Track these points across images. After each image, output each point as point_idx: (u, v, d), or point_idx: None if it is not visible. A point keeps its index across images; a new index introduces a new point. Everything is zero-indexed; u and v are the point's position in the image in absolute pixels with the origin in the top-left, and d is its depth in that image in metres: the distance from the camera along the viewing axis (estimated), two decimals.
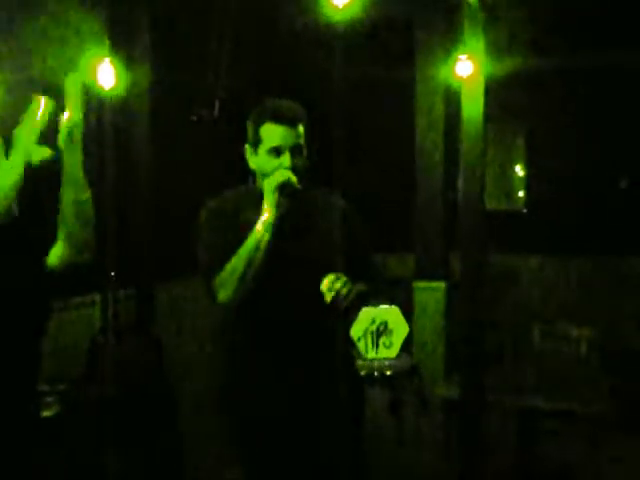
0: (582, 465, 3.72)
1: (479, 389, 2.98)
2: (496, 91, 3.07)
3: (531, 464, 3.58)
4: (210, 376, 2.20)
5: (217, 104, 3.59)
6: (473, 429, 2.97)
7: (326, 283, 1.85)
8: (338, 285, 1.84)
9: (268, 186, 1.90)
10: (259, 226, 1.90)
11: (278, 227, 1.92)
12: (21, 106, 2.65)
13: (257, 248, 1.90)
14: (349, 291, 1.85)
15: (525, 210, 5.77)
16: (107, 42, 2.87)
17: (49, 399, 2.21)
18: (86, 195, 1.50)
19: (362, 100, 4.40)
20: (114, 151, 3.10)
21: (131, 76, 3.11)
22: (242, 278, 1.94)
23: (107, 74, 2.86)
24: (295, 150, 1.93)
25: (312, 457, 2.02)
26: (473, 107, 2.83)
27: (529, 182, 5.73)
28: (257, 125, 1.95)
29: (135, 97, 3.17)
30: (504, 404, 3.59)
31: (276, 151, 1.93)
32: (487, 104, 2.84)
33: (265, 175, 1.95)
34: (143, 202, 3.32)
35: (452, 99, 3.73)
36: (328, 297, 1.84)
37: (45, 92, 2.77)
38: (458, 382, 3.19)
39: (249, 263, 1.92)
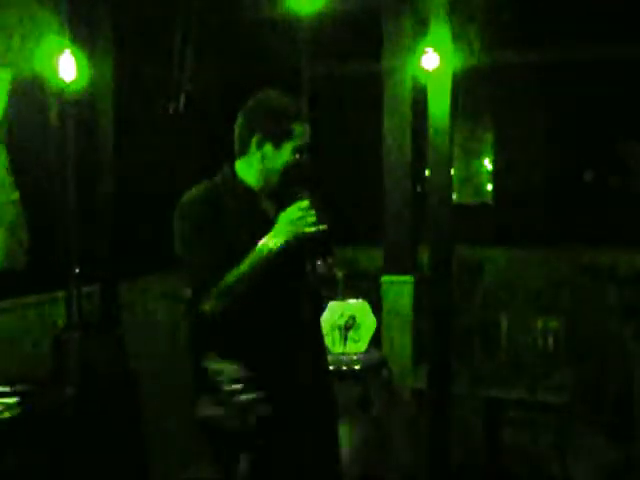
0: (548, 454, 3.78)
1: (446, 380, 2.99)
2: (464, 85, 3.07)
3: (499, 453, 3.62)
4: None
5: (183, 97, 3.53)
6: (441, 419, 2.98)
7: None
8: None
9: (287, 219, 1.87)
10: (263, 252, 1.86)
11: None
12: None
13: (258, 273, 1.87)
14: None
15: (492, 203, 5.82)
16: (67, 33, 2.79)
17: (9, 400, 2.14)
18: (12, 197, 1.42)
19: (329, 93, 4.39)
20: (76, 145, 3.04)
21: (94, 68, 3.04)
22: (237, 296, 1.89)
23: (68, 66, 2.80)
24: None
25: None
26: (440, 101, 2.82)
27: (496, 175, 5.78)
28: (290, 120, 1.93)
29: (98, 90, 3.09)
30: (472, 394, 3.63)
31: (300, 150, 1.95)
32: (455, 98, 2.84)
33: (274, 170, 1.94)
34: (107, 197, 3.26)
35: (421, 92, 3.74)
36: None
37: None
38: (426, 374, 3.20)
39: (248, 284, 1.88)
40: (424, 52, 2.84)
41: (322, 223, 1.86)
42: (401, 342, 3.75)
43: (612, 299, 4.68)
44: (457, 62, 2.83)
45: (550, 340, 4.32)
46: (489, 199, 5.93)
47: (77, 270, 3.06)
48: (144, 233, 3.50)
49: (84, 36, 3.01)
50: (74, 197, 3.04)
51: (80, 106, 2.98)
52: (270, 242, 1.85)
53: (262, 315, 1.92)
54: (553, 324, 4.32)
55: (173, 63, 3.49)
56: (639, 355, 3.43)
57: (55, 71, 2.82)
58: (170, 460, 3.28)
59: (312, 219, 1.84)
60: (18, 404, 2.15)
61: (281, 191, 1.98)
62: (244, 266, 1.85)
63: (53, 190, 3.01)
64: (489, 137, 5.98)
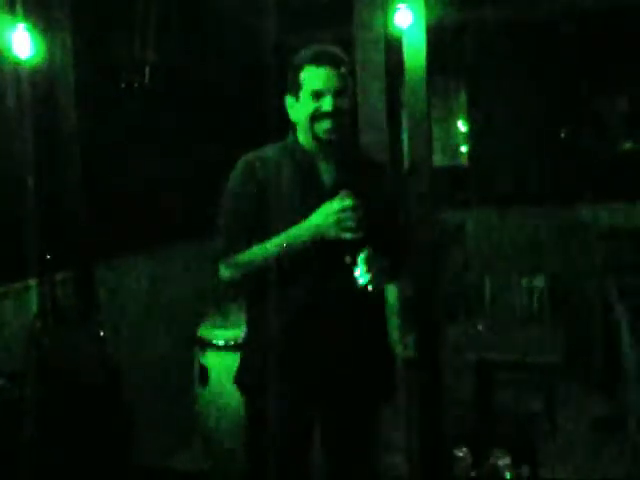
0: (538, 414, 3.79)
1: (435, 348, 2.95)
2: (434, 42, 2.98)
3: (489, 415, 3.62)
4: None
5: (147, 69, 3.38)
6: (433, 388, 2.95)
7: (361, 258, 1.72)
8: (369, 265, 1.72)
9: (323, 215, 1.77)
10: (290, 238, 1.79)
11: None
12: None
13: (282, 256, 1.80)
14: (381, 272, 1.73)
15: (468, 164, 5.76)
16: (20, 7, 2.63)
17: None
18: None
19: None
20: (36, 125, 2.90)
21: (51, 43, 2.88)
22: (257, 271, 1.85)
23: (22, 42, 2.65)
24: (338, 93, 1.82)
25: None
26: (415, 59, 2.73)
27: (471, 136, 5.71)
28: (297, 70, 1.84)
29: (57, 65, 2.94)
30: (460, 359, 3.61)
31: (317, 95, 1.81)
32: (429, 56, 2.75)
33: (305, 123, 1.83)
34: (74, 177, 3.12)
35: (393, 50, 3.62)
36: (360, 275, 1.71)
37: None
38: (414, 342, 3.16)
39: (269, 264, 1.82)
40: (396, 8, 2.74)
41: (361, 228, 1.72)
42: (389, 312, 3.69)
43: (594, 256, 4.67)
44: (431, 17, 2.71)
45: (536, 299, 4.33)
46: (464, 161, 5.87)
47: (48, 256, 2.95)
48: (116, 211, 3.38)
49: (38, 9, 2.85)
50: (39, 180, 2.92)
51: (38, 83, 2.83)
52: (298, 232, 1.77)
53: (277, 296, 1.85)
54: (539, 283, 4.32)
55: (136, 34, 3.33)
56: (623, 312, 3.43)
57: (8, 48, 2.67)
58: (153, 448, 3.22)
59: (351, 224, 1.72)
60: None
61: (324, 148, 1.86)
62: (271, 244, 1.80)
63: (16, 173, 2.88)
64: (462, 97, 5.90)
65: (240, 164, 1.91)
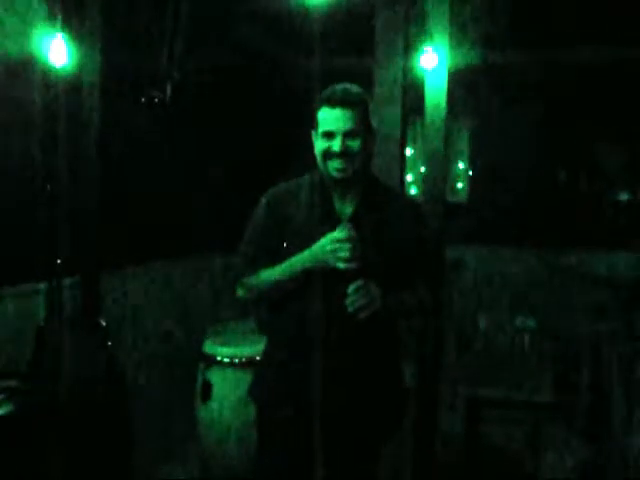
0: (524, 451, 3.84)
1: (435, 379, 3.01)
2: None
3: (477, 450, 3.66)
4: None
5: (169, 86, 3.45)
6: (428, 419, 3.00)
7: (352, 288, 1.81)
8: (360, 294, 1.80)
9: (321, 245, 1.86)
10: (292, 266, 1.90)
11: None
12: None
13: (285, 282, 1.93)
14: (368, 302, 1.80)
15: (467, 202, 5.87)
16: (59, 17, 2.69)
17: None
18: None
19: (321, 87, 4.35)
20: (58, 132, 2.95)
21: (81, 54, 2.95)
22: (263, 294, 2.01)
23: (59, 51, 2.71)
24: (348, 134, 1.87)
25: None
26: (436, 99, 2.84)
27: (472, 175, 5.83)
28: (316, 109, 1.93)
29: (86, 76, 3.00)
30: (451, 392, 3.66)
31: (328, 135, 1.89)
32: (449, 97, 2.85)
33: (319, 160, 1.94)
34: (90, 186, 3.17)
35: (410, 90, 3.73)
36: (348, 304, 1.80)
37: None
38: (411, 372, 3.21)
39: (274, 288, 1.95)
40: (422, 50, 2.85)
41: (356, 259, 1.80)
42: None
43: (587, 301, 4.77)
44: (454, 62, 2.83)
45: (527, 339, 4.39)
46: (463, 198, 5.99)
47: (59, 261, 2.98)
48: (128, 222, 3.43)
49: (73, 21, 2.91)
50: (57, 186, 2.96)
51: (68, 93, 2.89)
52: (300, 259, 1.88)
53: (279, 318, 2.00)
54: (530, 323, 4.39)
55: (162, 51, 3.40)
56: (611, 357, 3.51)
57: (45, 56, 2.73)
58: (152, 456, 3.23)
59: (344, 254, 1.80)
60: (5, 400, 2.08)
61: (336, 185, 1.95)
62: (276, 271, 1.92)
63: (35, 180, 2.91)
64: (464, 136, 6.03)
65: (264, 198, 2.04)
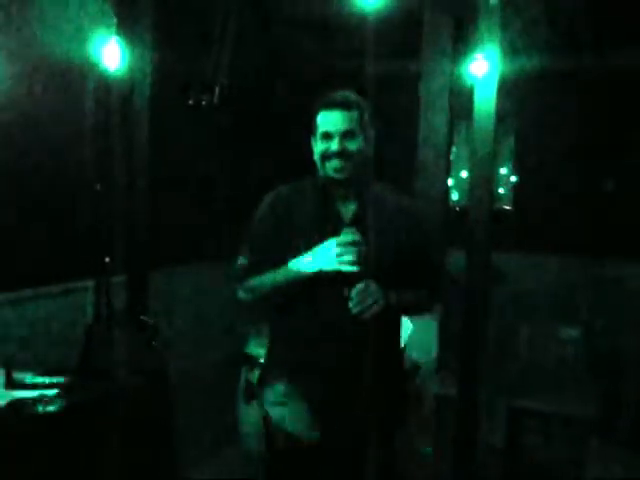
0: (567, 466, 3.77)
1: (475, 387, 2.98)
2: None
3: (518, 462, 3.62)
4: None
5: (217, 90, 3.49)
6: (469, 429, 2.97)
7: (354, 291, 1.83)
8: (363, 296, 1.83)
9: (325, 249, 1.87)
10: (294, 270, 1.91)
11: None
12: (29, 86, 2.57)
13: (286, 286, 1.94)
14: (371, 304, 1.83)
15: (512, 208, 5.79)
16: (114, 21, 2.75)
17: (50, 393, 2.12)
18: None
19: (367, 92, 4.34)
20: (111, 134, 3.02)
21: (133, 57, 3.01)
22: (265, 297, 2.01)
23: (112, 55, 2.77)
24: (346, 134, 1.92)
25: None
26: (486, 107, 2.81)
27: (517, 181, 5.75)
28: (315, 114, 1.98)
29: (136, 78, 3.06)
30: (492, 403, 3.62)
31: (327, 136, 1.94)
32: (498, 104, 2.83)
33: (318, 162, 1.97)
34: (139, 186, 3.23)
35: (457, 97, 3.71)
36: (352, 306, 1.82)
37: (53, 71, 2.69)
38: (451, 380, 3.18)
39: (275, 292, 1.97)
40: (472, 58, 2.82)
41: (360, 263, 1.84)
42: (427, 348, 3.72)
43: (632, 311, 4.66)
44: (505, 68, 2.80)
45: (571, 350, 4.32)
46: (507, 204, 5.90)
47: (107, 259, 3.04)
48: (174, 223, 3.48)
49: (126, 25, 2.97)
50: (108, 188, 3.03)
51: (120, 96, 2.95)
52: (302, 264, 1.89)
53: (283, 321, 2.02)
54: (575, 334, 4.32)
55: (211, 56, 3.45)
56: None
57: (99, 60, 2.79)
58: (194, 455, 3.27)
59: (350, 258, 1.83)
60: (57, 397, 2.12)
61: (335, 186, 1.97)
62: (278, 275, 1.93)
63: (88, 180, 2.98)
64: (510, 141, 5.95)
65: (266, 199, 2.06)
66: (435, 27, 3.55)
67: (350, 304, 1.83)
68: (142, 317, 3.04)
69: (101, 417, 2.19)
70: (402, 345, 3.05)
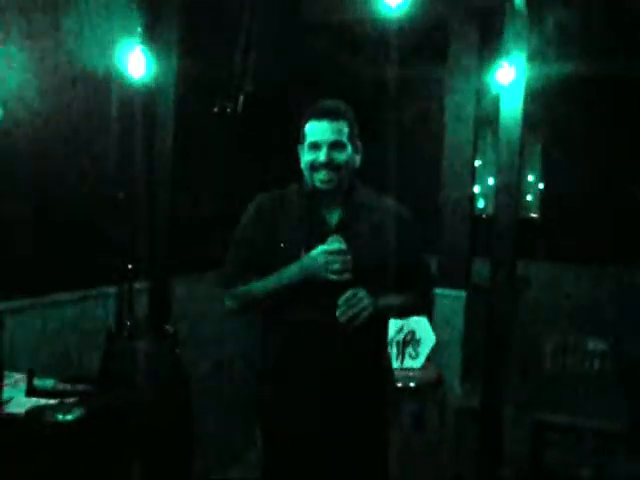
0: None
1: (499, 399, 2.93)
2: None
3: (542, 478, 3.55)
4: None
5: (242, 98, 3.49)
6: (492, 441, 2.92)
7: (342, 299, 1.84)
8: (351, 304, 1.83)
9: (312, 258, 1.88)
10: (283, 277, 1.91)
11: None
12: (54, 95, 2.59)
13: (276, 292, 1.94)
14: (359, 311, 1.83)
15: (539, 217, 5.72)
16: (140, 29, 2.77)
17: (70, 400, 2.11)
18: None
19: (394, 99, 4.31)
20: (134, 141, 3.03)
21: (158, 66, 3.02)
22: (254, 304, 2.01)
23: (137, 63, 2.78)
24: (334, 145, 1.91)
25: (333, 464, 1.99)
26: (512, 114, 2.77)
27: (545, 189, 5.67)
28: (303, 123, 1.97)
29: (161, 88, 3.07)
30: (517, 416, 3.56)
31: (315, 146, 1.93)
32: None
33: (306, 172, 1.97)
34: (163, 193, 3.23)
35: (482, 103, 3.67)
36: (339, 315, 1.82)
37: (77, 80, 2.71)
38: (475, 392, 3.13)
39: (265, 298, 1.97)
40: (498, 65, 2.79)
41: (347, 271, 1.84)
42: (451, 359, 3.68)
43: None
44: (532, 75, 2.76)
45: (598, 363, 4.23)
46: (534, 213, 5.83)
47: (130, 266, 3.04)
48: (196, 231, 3.48)
49: (151, 33, 2.99)
50: (132, 196, 3.04)
51: (145, 104, 2.96)
52: (291, 271, 1.89)
53: (271, 328, 2.02)
54: (602, 346, 4.23)
55: (235, 63, 3.45)
56: None
57: (124, 68, 2.80)
58: (214, 462, 3.26)
59: (337, 267, 1.83)
60: (78, 404, 2.11)
61: (322, 195, 1.96)
62: (266, 283, 1.94)
63: (110, 185, 2.99)
64: (537, 149, 5.88)
65: (252, 204, 2.06)
66: (461, 35, 3.52)
67: (338, 312, 1.82)
68: (163, 325, 3.03)
69: (121, 425, 2.18)
70: (425, 358, 3.03)
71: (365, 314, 1.84)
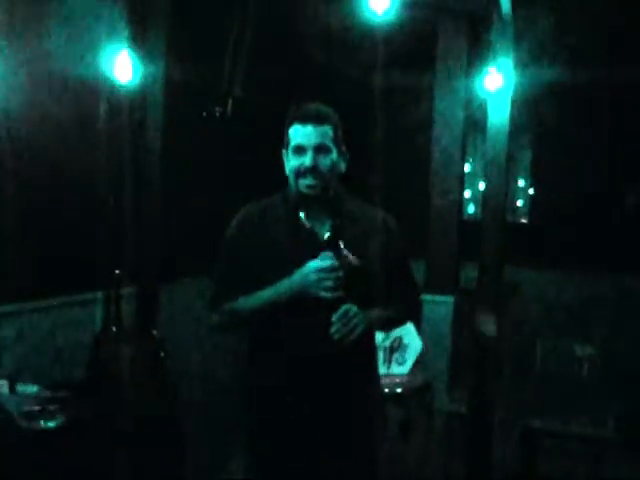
0: None
1: (487, 405, 2.93)
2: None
3: None
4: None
5: (230, 102, 3.48)
6: (481, 447, 2.92)
7: (336, 316, 1.80)
8: (345, 321, 1.80)
9: (304, 274, 1.84)
10: (274, 293, 1.88)
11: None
12: (40, 99, 2.57)
13: (265, 309, 1.90)
14: (353, 328, 1.81)
15: (528, 222, 5.73)
16: (126, 32, 2.76)
17: (52, 407, 2.09)
18: None
19: (381, 104, 4.31)
20: (122, 147, 3.02)
21: (146, 70, 3.01)
22: (242, 321, 1.98)
23: (124, 67, 2.77)
24: (319, 149, 1.88)
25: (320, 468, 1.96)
26: (499, 119, 2.78)
27: (534, 194, 5.69)
28: (287, 127, 1.93)
29: (149, 92, 3.06)
30: (506, 422, 3.55)
31: (299, 150, 1.89)
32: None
33: (291, 178, 1.93)
34: (151, 199, 3.22)
35: (471, 109, 3.68)
36: (333, 332, 1.80)
37: (65, 83, 2.69)
38: (462, 398, 3.13)
39: (253, 316, 1.93)
40: (485, 71, 2.80)
41: (339, 288, 1.81)
42: (438, 364, 3.68)
43: None
44: (521, 82, 2.77)
45: (586, 368, 4.23)
46: (523, 218, 5.84)
47: (117, 271, 3.02)
48: (186, 236, 3.47)
49: (139, 37, 2.98)
50: (118, 198, 3.03)
51: (132, 108, 2.95)
52: (282, 288, 1.86)
53: (261, 345, 1.98)
54: (591, 352, 4.23)
55: (224, 68, 3.44)
56: None
57: (111, 72, 2.79)
58: (203, 470, 3.24)
59: (329, 284, 1.80)
60: (57, 412, 2.09)
61: (307, 202, 1.93)
62: (256, 299, 1.89)
63: (97, 191, 2.98)
64: (527, 155, 5.89)
65: (238, 216, 2.01)
66: (449, 41, 3.53)
67: (332, 330, 1.80)
68: (150, 331, 3.02)
69: (102, 432, 2.16)
70: (412, 364, 3.03)
71: (359, 330, 1.81)
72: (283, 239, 1.92)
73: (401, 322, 2.39)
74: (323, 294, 1.81)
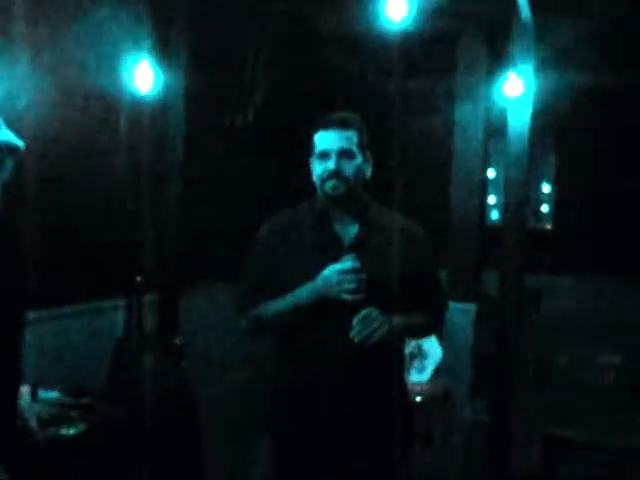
0: None
1: (510, 414, 2.89)
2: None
3: None
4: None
5: (251, 110, 3.50)
6: (502, 455, 2.89)
7: (356, 319, 1.80)
8: (365, 323, 1.80)
9: (325, 277, 1.84)
10: (297, 297, 1.89)
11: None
12: (64, 108, 2.62)
13: (290, 314, 1.91)
14: (373, 331, 1.80)
15: (551, 228, 5.67)
16: (148, 42, 2.79)
17: (73, 414, 2.11)
18: None
19: (403, 111, 4.30)
20: (146, 155, 3.05)
21: (167, 79, 3.04)
22: (270, 328, 1.99)
23: (145, 76, 2.80)
24: (343, 154, 1.89)
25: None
26: (520, 126, 2.75)
27: (558, 200, 5.63)
28: (312, 135, 1.95)
29: (170, 101, 3.09)
30: (527, 431, 3.51)
31: (324, 155, 1.90)
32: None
33: (317, 183, 1.94)
34: (172, 206, 3.25)
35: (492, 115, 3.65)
36: (354, 334, 1.80)
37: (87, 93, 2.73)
38: (484, 406, 3.10)
39: (279, 320, 1.94)
40: (505, 78, 2.78)
41: (361, 290, 1.81)
42: (460, 373, 3.65)
43: None
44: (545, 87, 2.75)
45: (612, 377, 4.16)
46: (547, 224, 5.78)
47: (139, 278, 3.05)
48: (207, 243, 3.49)
49: (161, 47, 3.01)
50: (141, 206, 3.06)
51: (154, 117, 2.98)
52: (304, 292, 1.87)
53: (285, 349, 1.99)
54: (617, 360, 4.16)
55: (245, 77, 3.47)
56: None
57: (132, 82, 2.82)
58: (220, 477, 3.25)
59: (350, 286, 1.81)
60: (78, 419, 2.11)
61: (335, 205, 1.94)
62: (282, 303, 1.91)
63: (120, 199, 3.01)
64: (551, 159, 5.83)
65: (261, 229, 2.03)
66: (469, 47, 3.51)
67: (352, 332, 1.80)
68: (171, 338, 3.03)
69: (122, 438, 2.18)
70: (432, 372, 3.01)
71: (379, 334, 1.81)
72: (309, 244, 1.93)
73: (425, 331, 2.37)
74: (344, 296, 1.81)
